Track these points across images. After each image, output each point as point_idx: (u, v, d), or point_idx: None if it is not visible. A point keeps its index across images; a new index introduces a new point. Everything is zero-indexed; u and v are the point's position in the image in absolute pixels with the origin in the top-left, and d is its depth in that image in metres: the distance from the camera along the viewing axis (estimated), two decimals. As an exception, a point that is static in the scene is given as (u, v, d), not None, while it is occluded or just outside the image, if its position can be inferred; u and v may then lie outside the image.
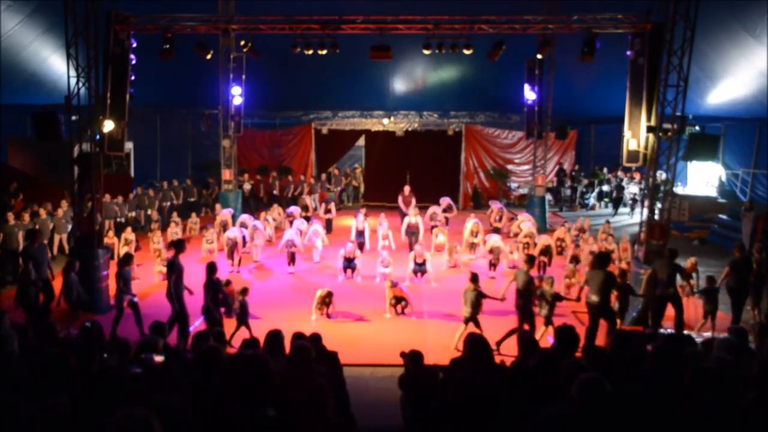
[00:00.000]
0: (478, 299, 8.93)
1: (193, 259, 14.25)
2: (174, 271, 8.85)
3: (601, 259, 8.95)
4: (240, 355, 4.76)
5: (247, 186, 19.93)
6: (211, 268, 8.84)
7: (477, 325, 8.82)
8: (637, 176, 21.55)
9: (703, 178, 20.82)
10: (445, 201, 17.14)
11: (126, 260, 9.92)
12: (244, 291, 9.35)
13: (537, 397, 3.81)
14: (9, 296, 10.81)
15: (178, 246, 9.24)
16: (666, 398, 3.87)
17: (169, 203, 18.53)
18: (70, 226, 13.88)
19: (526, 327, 8.69)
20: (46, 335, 5.12)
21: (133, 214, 17.18)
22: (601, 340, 8.38)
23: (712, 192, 19.93)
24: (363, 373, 8.36)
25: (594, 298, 8.60)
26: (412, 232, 14.48)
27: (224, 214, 16.03)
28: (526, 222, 15.19)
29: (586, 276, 9.16)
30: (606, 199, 21.99)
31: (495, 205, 16.91)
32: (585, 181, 22.26)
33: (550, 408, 3.44)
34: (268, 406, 3.35)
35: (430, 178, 21.28)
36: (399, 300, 10.73)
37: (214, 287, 8.75)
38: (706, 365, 3.94)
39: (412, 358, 5.92)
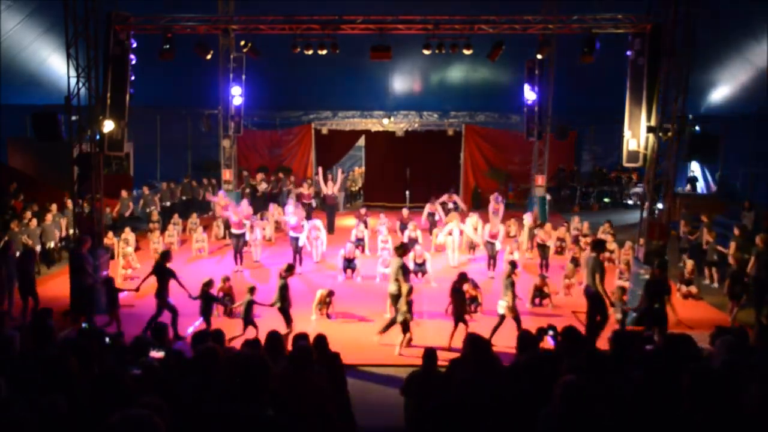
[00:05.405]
0: None
1: (183, 260, 14.21)
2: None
3: None
4: (239, 355, 4.76)
5: (263, 185, 19.63)
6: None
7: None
8: (636, 177, 21.53)
9: (701, 178, 20.81)
10: (452, 197, 16.82)
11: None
12: (252, 290, 9.42)
13: (537, 397, 3.81)
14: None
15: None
16: (666, 399, 3.86)
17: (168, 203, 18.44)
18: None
19: None
20: (43, 337, 5.12)
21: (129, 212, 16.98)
22: (602, 341, 8.36)
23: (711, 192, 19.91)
24: (363, 373, 8.37)
25: None
26: (413, 242, 14.44)
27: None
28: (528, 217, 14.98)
29: None
30: (606, 199, 21.98)
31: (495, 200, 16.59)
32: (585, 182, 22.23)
33: (550, 408, 3.44)
34: (267, 406, 3.35)
35: (430, 178, 21.27)
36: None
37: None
38: (707, 366, 3.93)
39: (428, 355, 5.90)
